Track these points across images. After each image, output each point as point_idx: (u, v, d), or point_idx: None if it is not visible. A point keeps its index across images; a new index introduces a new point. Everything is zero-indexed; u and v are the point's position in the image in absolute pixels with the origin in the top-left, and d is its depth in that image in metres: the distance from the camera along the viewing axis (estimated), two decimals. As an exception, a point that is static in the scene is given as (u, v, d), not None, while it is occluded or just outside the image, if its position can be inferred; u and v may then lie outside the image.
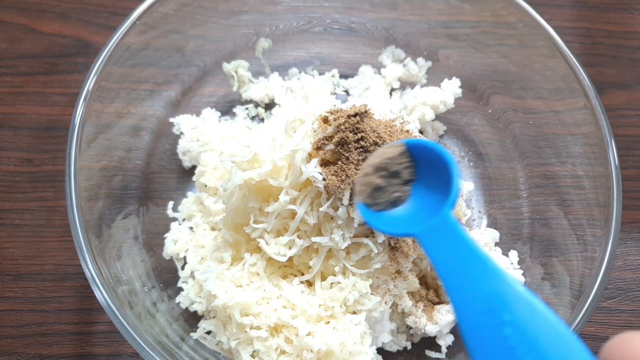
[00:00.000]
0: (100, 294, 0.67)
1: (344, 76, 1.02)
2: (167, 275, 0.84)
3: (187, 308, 0.79)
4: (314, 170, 0.66)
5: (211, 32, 0.96)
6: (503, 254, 0.87)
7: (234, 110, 0.98)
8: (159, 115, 0.93)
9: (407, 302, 0.77)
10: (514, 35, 0.91)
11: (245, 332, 0.70)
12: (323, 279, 0.73)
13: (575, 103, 0.83)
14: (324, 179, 0.67)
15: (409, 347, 0.81)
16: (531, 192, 0.90)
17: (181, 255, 0.85)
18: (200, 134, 0.90)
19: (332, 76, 1.01)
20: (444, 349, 0.79)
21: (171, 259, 0.85)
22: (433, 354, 0.80)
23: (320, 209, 0.68)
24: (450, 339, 0.80)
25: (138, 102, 0.90)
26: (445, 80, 0.96)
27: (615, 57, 1.08)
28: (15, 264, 0.87)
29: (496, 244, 0.89)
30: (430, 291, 0.81)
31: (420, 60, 0.99)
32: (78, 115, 0.75)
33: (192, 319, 0.80)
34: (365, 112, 0.67)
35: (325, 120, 0.69)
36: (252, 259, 0.73)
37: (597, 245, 0.75)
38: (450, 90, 0.95)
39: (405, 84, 1.00)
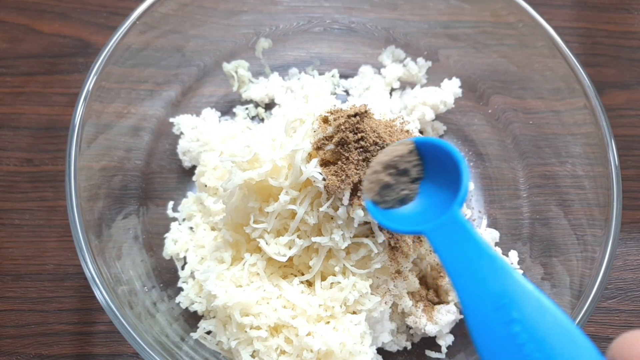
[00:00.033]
0: (100, 294, 0.67)
1: (344, 76, 1.02)
2: (167, 275, 0.84)
3: (187, 308, 0.79)
4: (314, 170, 0.66)
5: (211, 32, 0.96)
6: (503, 254, 0.87)
7: (234, 110, 0.98)
8: (159, 115, 0.93)
9: (407, 302, 0.77)
10: (514, 35, 0.91)
11: (245, 332, 0.70)
12: (323, 279, 0.73)
13: (575, 103, 0.83)
14: (324, 179, 0.67)
15: (409, 347, 0.81)
16: (531, 192, 0.90)
17: (181, 255, 0.85)
18: (200, 134, 0.90)
19: (332, 76, 1.01)
20: (444, 349, 0.79)
21: (171, 259, 0.85)
22: (433, 354, 0.80)
23: (320, 209, 0.68)
24: (450, 339, 0.80)
25: (138, 102, 0.90)
26: (445, 80, 0.96)
27: (615, 57, 1.08)
28: (15, 264, 0.87)
29: (496, 244, 0.89)
30: (430, 291, 0.81)
31: (420, 60, 0.99)
32: (78, 115, 0.75)
33: (192, 319, 0.80)
34: (365, 112, 0.67)
35: (325, 120, 0.69)
36: (252, 259, 0.73)
37: (597, 245, 0.75)
38: (450, 90, 0.95)
39: (405, 84, 1.00)
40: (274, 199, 0.70)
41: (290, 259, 0.73)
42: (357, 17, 1.00)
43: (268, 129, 0.76)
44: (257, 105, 1.00)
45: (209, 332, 0.78)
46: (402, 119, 0.74)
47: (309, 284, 0.74)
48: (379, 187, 0.61)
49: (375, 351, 0.77)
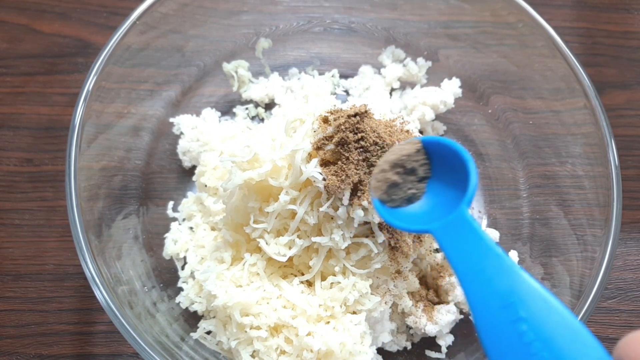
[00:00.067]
0: (100, 294, 0.67)
1: (344, 76, 1.02)
2: (167, 275, 0.84)
3: (187, 308, 0.79)
4: (314, 170, 0.66)
5: (211, 32, 0.96)
6: (503, 254, 0.87)
7: (234, 110, 0.98)
8: (159, 115, 0.93)
9: (407, 302, 0.77)
10: (514, 35, 0.91)
11: (245, 332, 0.70)
12: (323, 279, 0.73)
13: (575, 103, 0.83)
14: (324, 179, 0.67)
15: (409, 347, 0.81)
16: (531, 192, 0.90)
17: (181, 255, 0.85)
18: (200, 134, 0.90)
19: (332, 76, 1.01)
20: (444, 349, 0.79)
21: (171, 259, 0.85)
22: (433, 354, 0.80)
23: (320, 209, 0.68)
24: (450, 339, 0.80)
25: (138, 102, 0.90)
26: (445, 80, 0.96)
27: (615, 57, 1.08)
28: (15, 264, 0.87)
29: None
30: (430, 291, 0.81)
31: (420, 60, 0.99)
32: (78, 115, 0.75)
33: (192, 319, 0.80)
34: (365, 112, 0.67)
35: (325, 120, 0.69)
36: (252, 259, 0.73)
37: (597, 245, 0.75)
38: (450, 90, 0.95)
39: (405, 84, 1.00)
40: (274, 199, 0.70)
41: (290, 259, 0.73)
42: (357, 17, 1.00)
43: (268, 129, 0.76)
44: (257, 105, 1.00)
45: (209, 332, 0.78)
46: (402, 119, 0.74)
47: (309, 284, 0.74)
48: (386, 185, 0.61)
49: (375, 351, 0.77)
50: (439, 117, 0.96)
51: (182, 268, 0.84)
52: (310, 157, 0.68)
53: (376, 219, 0.68)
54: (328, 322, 0.72)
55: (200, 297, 0.78)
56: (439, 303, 0.81)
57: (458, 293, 0.79)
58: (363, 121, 0.66)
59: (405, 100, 0.96)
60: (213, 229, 0.85)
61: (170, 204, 0.89)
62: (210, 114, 0.95)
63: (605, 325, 0.88)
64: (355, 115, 0.66)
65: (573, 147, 0.86)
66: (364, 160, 0.66)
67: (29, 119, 0.97)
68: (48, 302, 0.85)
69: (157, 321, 0.75)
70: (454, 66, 0.98)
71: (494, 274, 0.48)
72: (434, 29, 0.98)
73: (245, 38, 0.99)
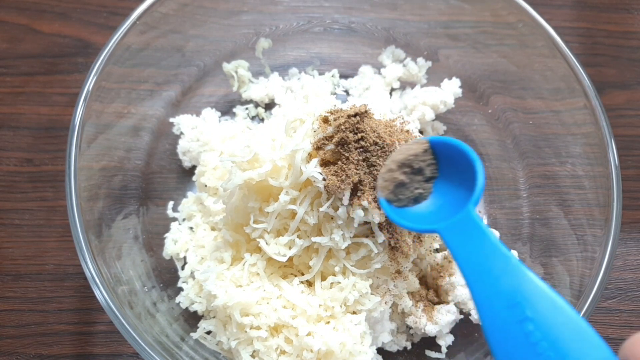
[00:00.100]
0: (100, 294, 0.67)
1: (344, 76, 1.02)
2: (167, 275, 0.84)
3: (187, 308, 0.79)
4: (314, 170, 0.66)
5: (211, 32, 0.96)
6: (503, 254, 0.87)
7: (234, 110, 0.98)
8: (159, 115, 0.93)
9: (407, 302, 0.77)
10: (514, 35, 0.91)
11: (245, 332, 0.70)
12: (323, 279, 0.73)
13: (575, 103, 0.83)
14: (324, 179, 0.67)
15: (409, 347, 0.81)
16: (531, 192, 0.90)
17: (181, 255, 0.85)
18: (200, 134, 0.90)
19: (332, 76, 1.01)
20: (444, 349, 0.79)
21: (171, 259, 0.85)
22: (433, 354, 0.80)
23: (320, 209, 0.68)
24: (450, 339, 0.80)
25: (138, 102, 0.90)
26: (445, 80, 0.96)
27: (615, 57, 1.08)
28: (15, 264, 0.87)
29: (496, 244, 0.89)
30: (430, 291, 0.81)
31: (420, 60, 0.99)
32: (78, 115, 0.75)
33: (192, 319, 0.80)
34: (365, 112, 0.67)
35: (325, 120, 0.69)
36: (252, 259, 0.73)
37: (597, 245, 0.75)
38: (450, 90, 0.95)
39: (405, 84, 1.00)
40: (274, 199, 0.70)
41: (290, 259, 0.73)
42: (357, 17, 1.00)
43: (268, 129, 0.76)
44: (257, 105, 1.00)
45: (209, 332, 0.77)
46: (402, 119, 0.74)
47: (309, 284, 0.74)
48: (394, 185, 0.62)
49: (375, 351, 0.77)
50: (439, 117, 0.96)
51: (182, 268, 0.84)
52: (310, 157, 0.68)
53: (376, 219, 0.68)
54: (328, 322, 0.72)
55: (200, 297, 0.78)
56: (439, 303, 0.81)
57: (458, 293, 0.79)
58: (363, 121, 0.66)
59: (405, 100, 0.96)
60: (213, 229, 0.85)
61: (170, 204, 0.89)
62: (210, 114, 0.95)
63: (605, 325, 0.88)
64: (355, 115, 0.66)
65: (573, 147, 0.86)
66: (364, 160, 0.66)
67: (29, 119, 0.97)
68: (48, 302, 0.85)
69: (157, 321, 0.75)
70: (454, 66, 0.98)
71: (501, 274, 0.48)
72: (434, 29, 0.98)
73: (245, 38, 0.99)
